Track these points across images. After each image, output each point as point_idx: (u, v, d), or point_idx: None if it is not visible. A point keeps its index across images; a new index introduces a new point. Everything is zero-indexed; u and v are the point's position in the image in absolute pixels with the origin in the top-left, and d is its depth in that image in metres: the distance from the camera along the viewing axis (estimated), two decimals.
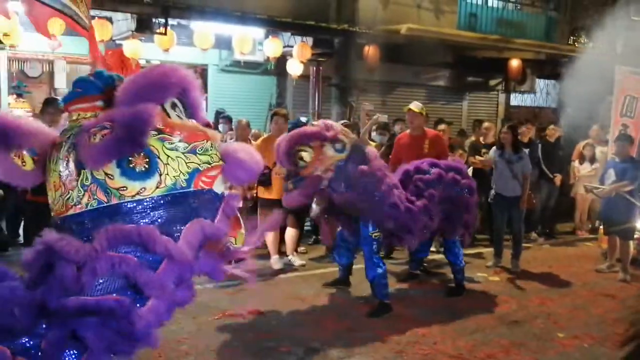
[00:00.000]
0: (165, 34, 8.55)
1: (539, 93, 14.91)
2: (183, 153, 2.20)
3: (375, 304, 5.38)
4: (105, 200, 2.12)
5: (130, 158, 2.10)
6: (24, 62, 9.87)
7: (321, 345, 4.55)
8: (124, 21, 8.73)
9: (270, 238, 6.78)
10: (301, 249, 7.56)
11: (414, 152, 6.39)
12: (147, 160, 2.12)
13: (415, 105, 6.62)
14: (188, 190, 2.21)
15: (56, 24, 7.83)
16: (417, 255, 6.48)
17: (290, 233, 6.94)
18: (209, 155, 2.27)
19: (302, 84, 10.76)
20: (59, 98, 6.43)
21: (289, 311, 5.36)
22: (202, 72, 11.29)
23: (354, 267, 6.07)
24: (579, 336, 4.98)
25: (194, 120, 2.40)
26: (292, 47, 9.95)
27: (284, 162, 5.02)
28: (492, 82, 13.78)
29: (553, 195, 9.21)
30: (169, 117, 2.28)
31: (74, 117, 2.31)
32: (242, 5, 9.12)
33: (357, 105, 10.02)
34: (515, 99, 14.48)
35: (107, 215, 2.11)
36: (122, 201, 2.12)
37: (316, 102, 10.73)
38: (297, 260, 7.00)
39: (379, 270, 5.27)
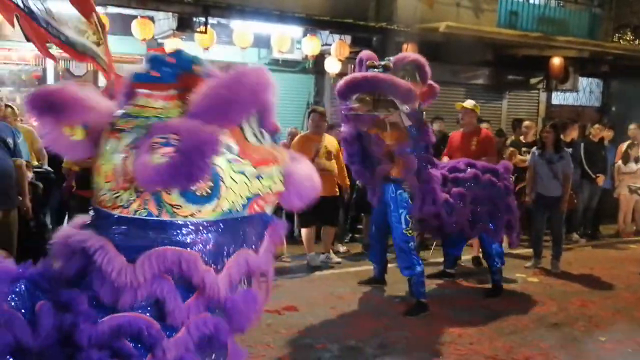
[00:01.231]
0: (205, 32, 8.68)
1: (582, 92, 14.56)
2: (248, 178, 2.02)
3: (412, 303, 5.36)
4: (156, 213, 1.92)
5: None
6: (69, 61, 10.15)
7: (356, 343, 4.56)
8: (165, 20, 8.89)
9: (306, 235, 6.83)
10: (343, 248, 7.59)
11: (462, 149, 6.42)
12: (211, 185, 1.92)
13: (467, 102, 6.75)
14: (242, 215, 2.04)
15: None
16: (450, 253, 6.44)
17: (328, 231, 6.98)
18: (272, 180, 2.10)
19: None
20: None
21: (325, 308, 5.38)
22: None
23: (390, 265, 6.05)
24: (622, 341, 4.86)
25: (266, 135, 2.19)
26: (330, 45, 9.97)
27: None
28: (533, 81, 13.51)
29: (595, 195, 9.00)
30: (245, 133, 2.07)
31: (141, 102, 2.05)
32: (281, 4, 9.18)
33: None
34: (557, 98, 14.16)
35: (153, 229, 1.91)
36: (172, 219, 1.92)
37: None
38: (334, 258, 7.03)
39: (418, 269, 5.24)
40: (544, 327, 5.11)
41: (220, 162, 1.93)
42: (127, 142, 1.96)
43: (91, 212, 2.08)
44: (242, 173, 2.00)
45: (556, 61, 11.97)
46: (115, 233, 1.92)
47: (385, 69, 4.85)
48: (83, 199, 5.89)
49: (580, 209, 8.84)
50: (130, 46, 9.34)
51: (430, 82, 5.18)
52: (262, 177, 2.06)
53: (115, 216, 1.93)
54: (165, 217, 1.92)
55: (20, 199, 5.11)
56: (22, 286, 1.92)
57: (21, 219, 5.10)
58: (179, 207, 1.91)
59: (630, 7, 13.39)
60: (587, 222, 9.23)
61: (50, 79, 9.78)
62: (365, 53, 5.26)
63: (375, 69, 4.88)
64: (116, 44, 9.13)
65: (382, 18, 10.00)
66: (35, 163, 6.32)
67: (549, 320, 5.29)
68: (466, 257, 7.11)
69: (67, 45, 3.81)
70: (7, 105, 6.52)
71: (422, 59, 5.06)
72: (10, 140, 4.92)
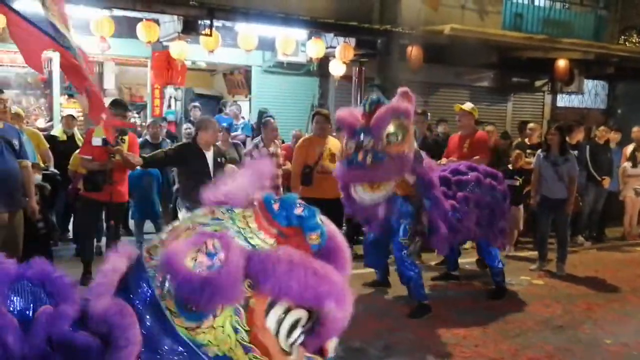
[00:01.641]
0: (210, 35, 8.71)
1: (587, 94, 14.52)
2: (237, 341, 1.69)
3: (415, 305, 5.36)
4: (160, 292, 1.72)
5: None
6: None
7: (361, 345, 4.56)
8: (170, 23, 8.92)
9: None
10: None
11: (456, 152, 6.46)
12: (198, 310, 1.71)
13: (466, 105, 6.80)
14: None
15: (105, 26, 8.10)
16: (451, 254, 6.43)
17: None
18: None
19: (344, 84, 10.78)
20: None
21: None
22: (245, 73, 11.46)
23: (392, 267, 6.04)
24: (628, 344, 4.84)
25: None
26: (334, 48, 9.99)
27: (378, 129, 4.60)
28: (538, 83, 13.50)
29: (601, 198, 8.96)
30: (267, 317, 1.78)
31: (248, 214, 1.83)
32: (285, 7, 9.20)
33: None
34: (562, 100, 14.14)
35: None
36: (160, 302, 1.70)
37: (358, 103, 10.73)
38: None
39: (412, 274, 5.24)
40: (549, 330, 5.10)
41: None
42: (202, 221, 1.80)
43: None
44: (237, 332, 1.70)
45: (561, 63, 11.94)
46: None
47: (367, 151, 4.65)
48: (88, 201, 5.94)
49: (586, 212, 8.80)
50: (135, 49, 9.39)
51: (404, 90, 4.88)
52: (249, 355, 1.71)
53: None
54: (159, 293, 1.70)
55: (27, 200, 5.13)
56: (25, 286, 1.82)
57: (27, 221, 5.12)
58: (176, 315, 1.68)
59: (635, 9, 13.35)
60: (593, 224, 9.20)
61: (56, 82, 9.83)
62: (345, 119, 4.89)
63: (359, 154, 4.66)
64: (121, 47, 9.22)
65: (387, 20, 10.00)
66: (43, 165, 6.36)
67: (554, 323, 5.27)
68: (470, 259, 7.10)
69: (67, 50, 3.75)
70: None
71: (398, 107, 4.69)
72: (15, 142, 4.94)
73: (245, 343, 1.68)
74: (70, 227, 7.42)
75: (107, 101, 6.47)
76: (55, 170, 6.66)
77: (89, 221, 6.14)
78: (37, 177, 5.97)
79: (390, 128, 4.59)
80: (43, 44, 3.53)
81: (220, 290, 1.59)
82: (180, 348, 1.69)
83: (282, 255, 1.64)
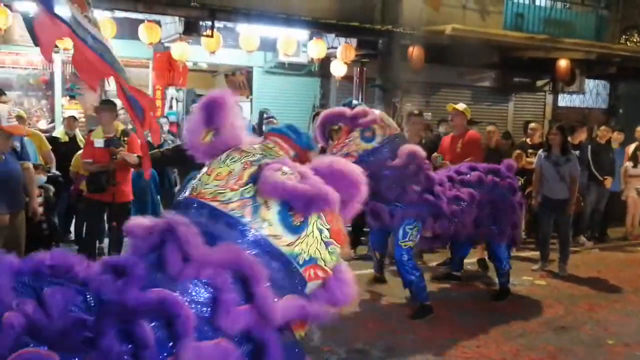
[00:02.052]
0: (212, 36, 8.71)
1: (589, 94, 14.51)
2: (322, 240, 2.21)
3: (417, 306, 5.35)
4: (248, 219, 2.12)
5: (292, 210, 2.15)
6: None
7: (363, 346, 4.56)
8: (172, 24, 8.93)
9: None
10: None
11: (450, 152, 6.49)
12: (302, 222, 2.16)
13: (459, 105, 6.83)
14: (299, 269, 2.17)
15: (107, 27, 8.11)
16: (457, 254, 6.44)
17: None
18: (331, 257, 2.27)
19: (345, 85, 10.78)
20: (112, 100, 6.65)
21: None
22: (247, 74, 11.46)
23: (392, 268, 6.04)
24: (630, 344, 4.83)
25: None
26: (336, 48, 9.99)
27: (317, 135, 4.94)
28: (539, 83, 13.49)
29: (603, 198, 8.95)
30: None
31: (270, 145, 2.38)
32: (287, 7, 9.21)
33: (401, 106, 9.98)
34: (564, 100, 14.13)
35: (238, 231, 2.10)
36: (258, 232, 2.11)
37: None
38: None
39: (413, 278, 5.23)
40: (551, 331, 5.09)
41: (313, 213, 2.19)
42: (250, 159, 2.24)
43: (179, 206, 2.29)
44: (321, 232, 2.21)
45: (562, 63, 11.93)
46: (203, 221, 2.11)
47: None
48: (91, 202, 5.95)
49: (588, 212, 8.79)
50: (137, 50, 9.40)
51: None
52: (329, 248, 2.24)
53: (211, 206, 2.15)
54: (254, 226, 2.11)
55: (28, 201, 5.14)
56: (26, 278, 1.95)
57: (29, 222, 5.13)
58: (270, 224, 2.12)
59: (637, 9, 13.34)
60: (595, 224, 9.18)
61: (57, 83, 9.83)
62: (326, 116, 5.05)
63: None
64: (123, 48, 9.19)
65: (388, 21, 9.99)
66: (46, 166, 6.38)
67: (556, 324, 5.27)
68: (472, 260, 7.09)
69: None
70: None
71: (377, 117, 4.88)
72: (17, 144, 4.96)
73: (327, 239, 2.22)
74: (72, 228, 7.43)
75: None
76: (57, 172, 6.67)
77: (92, 222, 6.16)
78: (42, 179, 6.00)
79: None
80: (102, 72, 3.65)
81: (321, 196, 2.11)
82: (281, 264, 2.12)
83: (331, 168, 2.26)
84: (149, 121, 4.01)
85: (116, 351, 1.78)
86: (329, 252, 2.24)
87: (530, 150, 8.15)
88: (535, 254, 7.49)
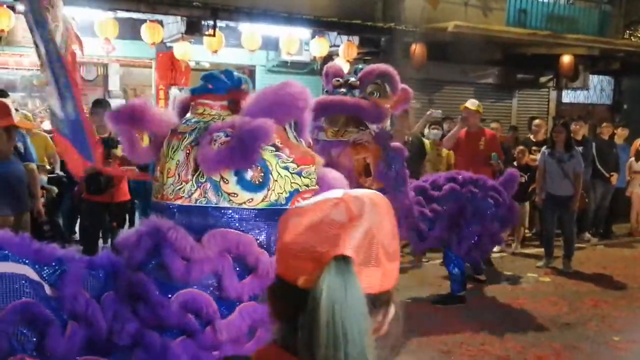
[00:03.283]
0: (214, 35, 8.71)
1: (592, 89, 14.45)
2: (291, 173, 2.30)
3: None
4: (215, 201, 2.23)
5: (247, 169, 2.23)
6: (80, 65, 10.23)
7: None
8: (174, 24, 8.93)
9: None
10: None
11: (470, 150, 6.43)
12: (262, 175, 2.24)
13: (471, 103, 6.74)
14: (285, 207, 2.26)
15: (109, 27, 8.13)
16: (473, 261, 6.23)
17: None
18: (310, 179, 2.36)
19: None
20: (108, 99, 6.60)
21: None
22: (249, 73, 11.46)
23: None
24: (636, 340, 4.82)
25: (303, 141, 2.46)
26: (338, 46, 9.97)
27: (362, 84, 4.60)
28: (543, 79, 13.43)
29: (608, 194, 8.91)
30: (287, 134, 2.37)
31: (200, 111, 2.41)
32: (289, 6, 9.20)
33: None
34: (567, 96, 14.07)
35: (212, 216, 2.22)
36: (230, 206, 2.24)
37: None
38: None
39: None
40: (556, 328, 5.08)
41: (268, 157, 2.25)
42: (189, 141, 2.30)
43: (153, 209, 2.39)
44: (287, 169, 2.29)
45: (566, 59, 11.89)
46: (178, 220, 2.24)
47: (352, 87, 4.59)
48: (90, 203, 5.91)
49: (592, 208, 8.76)
50: (139, 50, 9.40)
51: (403, 86, 4.83)
52: (302, 175, 2.33)
53: (177, 205, 2.27)
54: (223, 204, 2.23)
55: (33, 202, 5.15)
56: (101, 274, 2.19)
57: (33, 222, 5.14)
58: (235, 195, 2.23)
59: None
60: (600, 221, 9.15)
61: None
62: (332, 67, 5.02)
63: (342, 89, 4.63)
64: (126, 48, 9.22)
65: (390, 18, 9.98)
66: (49, 167, 6.38)
67: (561, 321, 5.26)
68: None
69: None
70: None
71: (390, 69, 4.68)
72: (20, 145, 4.97)
73: (296, 170, 2.31)
74: (77, 228, 7.44)
75: (113, 103, 6.48)
76: (62, 173, 6.68)
77: (93, 223, 6.15)
78: (43, 179, 6.00)
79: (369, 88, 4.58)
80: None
81: (255, 136, 2.12)
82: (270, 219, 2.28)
83: (254, 96, 2.36)
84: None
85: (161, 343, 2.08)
86: (303, 177, 2.33)
87: (534, 148, 8.12)
88: (540, 250, 7.48)
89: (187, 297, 2.12)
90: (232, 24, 9.35)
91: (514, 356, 4.45)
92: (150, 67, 10.35)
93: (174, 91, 11.08)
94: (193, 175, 2.24)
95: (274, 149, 2.25)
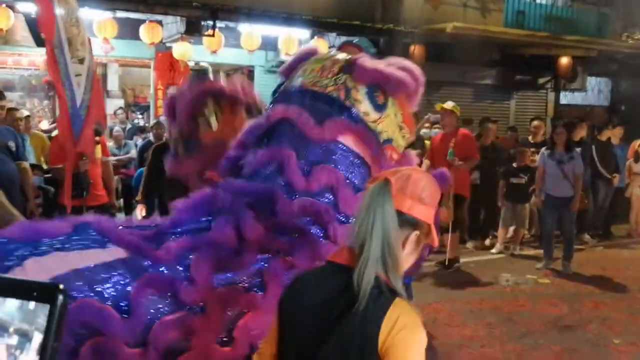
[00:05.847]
0: (213, 36, 8.70)
1: (590, 91, 14.47)
2: (397, 123, 2.70)
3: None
4: (343, 98, 2.60)
5: (378, 90, 2.62)
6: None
7: None
8: (173, 24, 8.92)
9: None
10: None
11: (442, 151, 6.44)
12: (385, 102, 2.64)
13: (447, 103, 6.69)
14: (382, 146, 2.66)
15: (108, 27, 8.11)
16: None
17: None
18: (403, 142, 2.75)
19: None
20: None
21: None
22: (248, 73, 11.44)
23: None
24: (636, 343, 4.81)
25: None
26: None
27: (182, 117, 3.39)
28: (541, 80, 13.44)
29: (608, 195, 8.90)
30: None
31: (346, 54, 2.88)
32: (288, 6, 9.19)
33: None
34: (565, 98, 14.09)
35: (337, 106, 2.59)
36: (352, 108, 2.60)
37: None
38: None
39: None
40: (555, 330, 5.07)
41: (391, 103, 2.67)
42: (335, 57, 2.77)
43: (289, 90, 2.80)
44: (396, 115, 2.70)
45: (564, 60, 11.91)
46: (307, 104, 2.61)
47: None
48: (73, 209, 5.38)
49: (592, 209, 8.76)
50: (138, 50, 9.39)
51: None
52: (402, 132, 2.73)
53: (314, 90, 2.65)
54: (347, 104, 2.60)
55: (27, 202, 5.09)
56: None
57: None
58: (359, 102, 2.61)
59: (639, 5, 13.29)
60: (599, 222, 9.15)
61: None
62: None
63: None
64: (125, 48, 9.21)
65: (389, 19, 9.98)
66: (45, 167, 6.34)
67: (561, 323, 5.25)
68: (472, 259, 7.08)
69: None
70: (12, 109, 6.46)
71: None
72: (12, 144, 4.88)
73: (400, 124, 2.73)
74: None
75: (111, 102, 6.46)
76: None
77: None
78: (40, 179, 5.95)
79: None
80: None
81: (406, 81, 2.65)
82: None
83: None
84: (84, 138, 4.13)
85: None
86: (402, 136, 2.73)
87: (532, 149, 8.11)
88: (539, 252, 7.48)
89: (306, 202, 2.36)
90: (231, 24, 9.35)
91: (514, 358, 4.44)
92: (149, 67, 10.35)
93: (172, 91, 11.08)
94: (333, 76, 2.65)
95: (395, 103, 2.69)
